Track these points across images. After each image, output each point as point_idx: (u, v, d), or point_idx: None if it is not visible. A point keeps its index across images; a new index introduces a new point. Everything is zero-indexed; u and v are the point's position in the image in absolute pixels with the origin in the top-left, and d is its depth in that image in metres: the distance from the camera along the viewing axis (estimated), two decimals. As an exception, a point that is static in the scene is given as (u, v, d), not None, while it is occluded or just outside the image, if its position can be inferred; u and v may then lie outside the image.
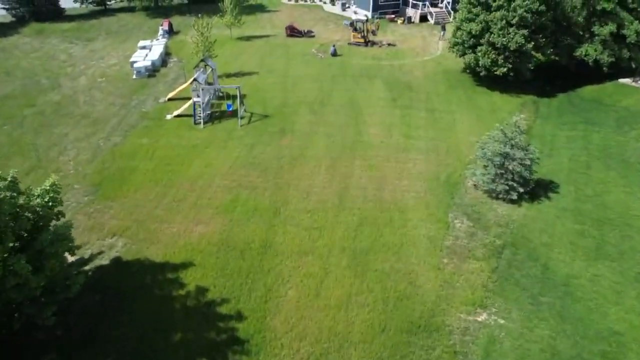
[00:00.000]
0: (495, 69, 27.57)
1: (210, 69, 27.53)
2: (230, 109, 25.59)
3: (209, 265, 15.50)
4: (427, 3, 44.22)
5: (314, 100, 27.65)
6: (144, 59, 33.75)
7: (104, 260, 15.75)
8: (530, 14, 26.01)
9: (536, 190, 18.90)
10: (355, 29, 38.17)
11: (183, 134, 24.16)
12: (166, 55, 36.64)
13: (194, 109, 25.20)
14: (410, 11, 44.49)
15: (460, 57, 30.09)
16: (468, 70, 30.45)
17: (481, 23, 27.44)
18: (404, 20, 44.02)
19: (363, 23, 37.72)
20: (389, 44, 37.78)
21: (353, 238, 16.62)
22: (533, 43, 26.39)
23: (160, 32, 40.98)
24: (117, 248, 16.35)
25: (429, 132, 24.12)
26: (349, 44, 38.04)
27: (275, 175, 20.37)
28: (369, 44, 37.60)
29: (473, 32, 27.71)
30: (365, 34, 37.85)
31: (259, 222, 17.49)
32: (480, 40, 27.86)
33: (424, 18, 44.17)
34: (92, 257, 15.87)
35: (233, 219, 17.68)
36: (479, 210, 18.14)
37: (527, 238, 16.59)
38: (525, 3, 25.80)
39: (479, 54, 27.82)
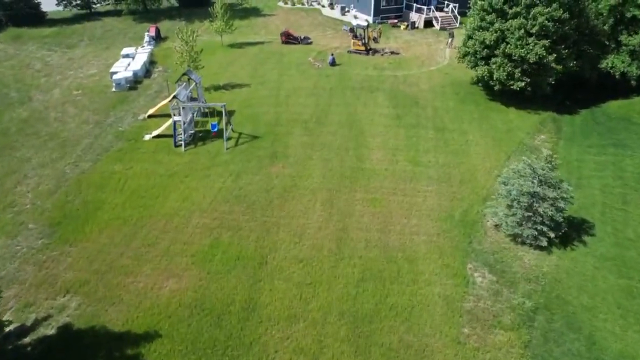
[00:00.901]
0: (511, 83, 24.74)
1: (194, 83, 24.69)
2: (215, 130, 22.76)
3: (179, 336, 12.70)
4: (432, 7, 41.42)
5: (310, 118, 24.84)
6: (125, 69, 30.97)
7: (49, 329, 12.93)
8: (552, 22, 23.19)
9: (567, 231, 16.08)
10: (355, 36, 35.36)
11: (161, 159, 21.34)
12: (151, 64, 33.84)
13: (174, 130, 22.40)
14: (414, 16, 41.67)
15: (471, 68, 27.28)
16: (480, 84, 27.60)
17: (496, 32, 24.61)
18: (407, 26, 41.20)
19: (364, 29, 34.88)
20: (392, 52, 34.95)
21: (354, 298, 13.81)
22: (555, 55, 23.53)
23: (146, 38, 38.14)
24: (69, 311, 13.53)
25: (440, 156, 21.31)
26: (349, 52, 35.22)
27: (263, 212, 17.57)
28: (371, 52, 34.77)
29: (487, 42, 24.88)
30: (366, 41, 35.03)
31: (241, 275, 14.68)
32: (495, 51, 25.04)
33: (428, 23, 41.36)
34: (35, 325, 13.05)
35: (211, 271, 14.87)
36: (502, 259, 15.33)
37: (563, 298, 13.79)
38: (547, 10, 22.98)
39: (493, 66, 25.00)
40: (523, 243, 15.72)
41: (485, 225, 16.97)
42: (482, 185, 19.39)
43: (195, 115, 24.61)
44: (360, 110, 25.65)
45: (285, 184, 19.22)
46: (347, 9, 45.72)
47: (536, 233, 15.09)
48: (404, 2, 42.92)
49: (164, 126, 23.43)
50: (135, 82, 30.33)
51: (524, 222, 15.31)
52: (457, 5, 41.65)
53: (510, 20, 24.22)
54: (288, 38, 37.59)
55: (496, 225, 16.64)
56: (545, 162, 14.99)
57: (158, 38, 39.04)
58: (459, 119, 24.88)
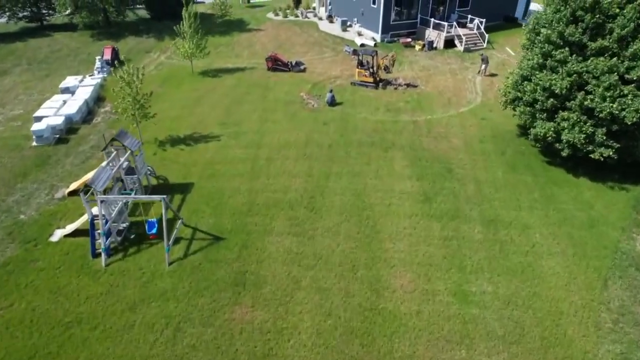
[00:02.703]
0: (590, 149, 17.06)
1: (129, 152, 16.86)
2: (154, 232, 15.03)
3: None
4: (454, 23, 33.67)
5: (299, 199, 17.15)
6: (55, 113, 23.20)
7: None
8: (663, 65, 15.54)
9: None
10: (360, 63, 27.64)
11: (64, 286, 13.60)
12: (97, 101, 26.12)
13: (92, 231, 14.63)
14: (431, 33, 33.92)
15: (524, 122, 19.60)
16: (539, 144, 19.80)
17: (570, 75, 16.93)
18: (423, 46, 33.46)
19: (372, 55, 27.10)
20: (408, 85, 27.28)
21: None
22: (663, 112, 15.89)
23: (98, 64, 30.40)
24: None
25: (499, 282, 13.62)
26: (353, 83, 27.58)
27: None
28: (381, 84, 27.10)
29: (556, 90, 17.17)
30: (375, 70, 27.31)
31: None
32: (567, 103, 17.37)
33: (449, 43, 33.63)
34: None
35: None
36: None
37: None
38: (656, 47, 15.33)
39: (563, 124, 17.33)
40: None
41: None
42: (579, 349, 11.71)
43: (129, 202, 16.74)
44: (372, 185, 17.96)
45: (254, 351, 11.50)
46: (349, 24, 37.95)
47: None
48: (419, 16, 35.14)
49: (80, 220, 15.70)
50: (67, 132, 22.61)
51: None
52: (483, 20, 33.93)
53: (593, 60, 16.51)
54: (275, 64, 29.93)
55: None
56: None
57: (115, 62, 31.22)
58: (514, 202, 17.18)
